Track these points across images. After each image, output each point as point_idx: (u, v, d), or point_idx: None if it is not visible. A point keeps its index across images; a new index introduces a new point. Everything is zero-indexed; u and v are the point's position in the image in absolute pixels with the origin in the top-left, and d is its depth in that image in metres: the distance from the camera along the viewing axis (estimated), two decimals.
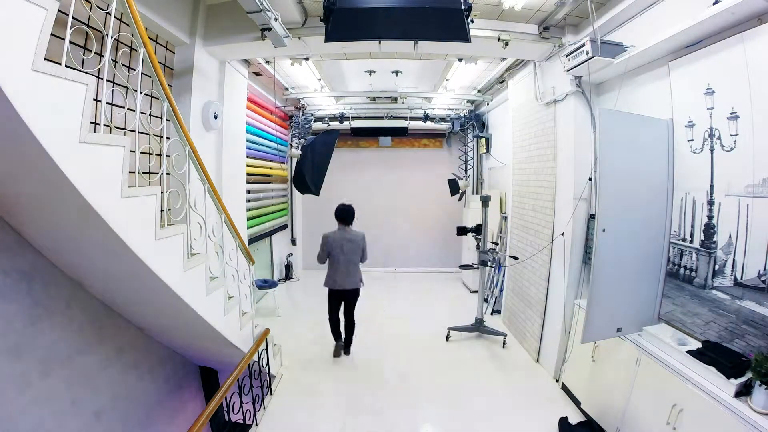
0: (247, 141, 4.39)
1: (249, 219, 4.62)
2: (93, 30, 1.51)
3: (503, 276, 4.72)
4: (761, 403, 1.60)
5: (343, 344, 3.76)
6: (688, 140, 2.20)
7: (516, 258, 4.05)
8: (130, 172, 1.56)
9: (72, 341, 2.13)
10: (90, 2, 1.43)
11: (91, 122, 1.36)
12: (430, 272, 7.10)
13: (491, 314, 4.79)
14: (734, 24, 1.87)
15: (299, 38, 3.07)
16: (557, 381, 3.22)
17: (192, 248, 2.06)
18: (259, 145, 5.17)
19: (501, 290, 4.82)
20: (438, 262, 7.19)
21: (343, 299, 3.68)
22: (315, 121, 6.43)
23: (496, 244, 4.63)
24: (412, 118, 6.47)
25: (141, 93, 1.71)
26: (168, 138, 1.92)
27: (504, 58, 4.04)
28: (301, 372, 3.35)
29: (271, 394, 2.88)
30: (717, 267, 2.03)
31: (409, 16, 2.42)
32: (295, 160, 6.68)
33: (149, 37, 2.00)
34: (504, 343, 3.95)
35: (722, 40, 1.94)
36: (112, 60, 1.59)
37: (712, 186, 2.05)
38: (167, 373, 2.94)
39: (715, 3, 1.87)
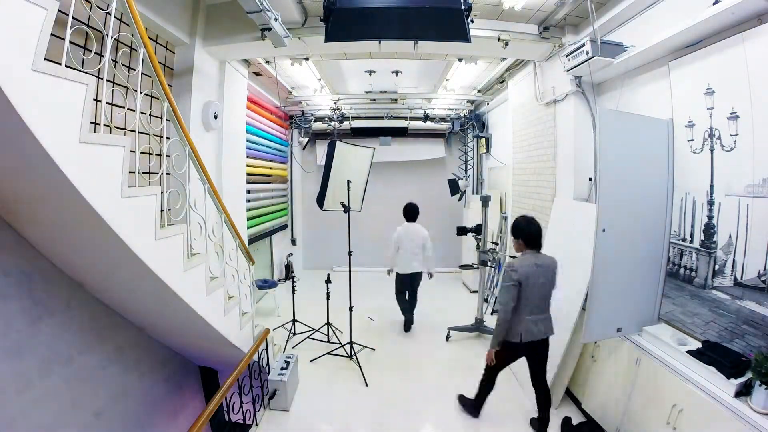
0: (247, 141, 4.39)
1: (249, 219, 4.62)
2: (93, 30, 1.51)
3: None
4: (761, 403, 1.60)
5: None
6: (688, 140, 2.20)
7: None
8: (130, 172, 1.56)
9: (72, 341, 2.13)
10: (90, 2, 1.42)
11: (91, 122, 1.36)
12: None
13: (491, 314, 4.78)
14: (734, 24, 1.87)
15: (299, 38, 3.07)
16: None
17: (192, 248, 2.06)
18: (259, 145, 5.17)
19: None
20: (438, 262, 7.14)
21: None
22: (315, 121, 6.43)
23: (496, 244, 4.63)
24: (412, 118, 6.46)
25: (141, 93, 1.71)
26: (168, 138, 1.92)
27: (504, 58, 4.04)
28: (302, 372, 3.34)
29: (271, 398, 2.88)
30: (717, 267, 2.03)
31: (409, 16, 2.42)
32: (296, 161, 6.71)
33: (149, 37, 2.00)
34: None
35: (722, 40, 1.94)
36: (112, 60, 1.59)
37: (712, 186, 2.05)
38: (167, 373, 2.94)
39: (715, 3, 1.87)
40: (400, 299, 4.36)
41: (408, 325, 4.36)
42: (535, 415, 2.65)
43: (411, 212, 4.28)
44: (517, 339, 2.39)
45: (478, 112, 6.21)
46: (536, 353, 2.50)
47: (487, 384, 2.75)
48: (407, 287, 4.29)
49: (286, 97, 5.52)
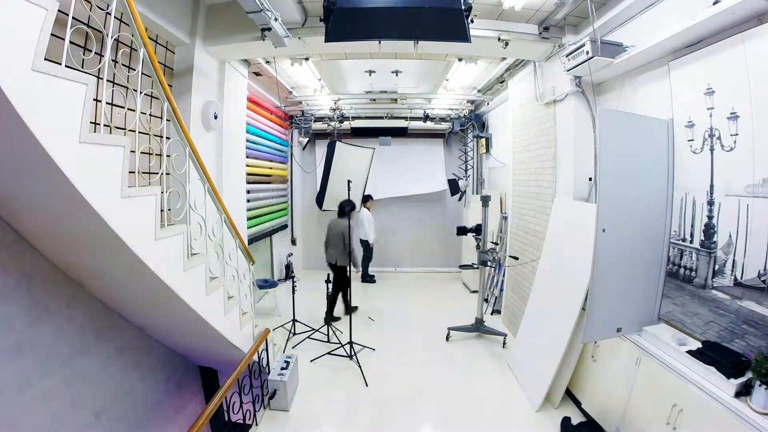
0: (247, 141, 4.39)
1: (249, 219, 4.62)
2: (93, 30, 1.51)
3: (503, 276, 4.72)
4: (761, 403, 1.60)
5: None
6: (688, 140, 2.20)
7: (516, 258, 4.05)
8: (130, 172, 1.56)
9: (72, 341, 2.13)
10: (90, 2, 1.42)
11: (91, 122, 1.36)
12: (430, 272, 7.10)
13: (491, 314, 4.79)
14: (734, 24, 1.87)
15: (299, 38, 3.07)
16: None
17: (192, 248, 2.06)
18: (259, 145, 5.17)
19: (501, 290, 4.82)
20: (438, 262, 7.19)
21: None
22: (315, 121, 6.43)
23: (496, 244, 4.63)
24: (412, 118, 6.46)
25: (141, 93, 1.71)
26: (168, 138, 1.92)
27: (504, 58, 4.04)
28: (302, 372, 3.35)
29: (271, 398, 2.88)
30: (717, 267, 2.03)
31: (409, 16, 2.42)
32: (295, 161, 6.71)
33: (149, 37, 2.00)
34: (504, 343, 3.95)
35: (722, 40, 1.94)
36: (112, 60, 1.59)
37: (712, 186, 2.05)
38: (167, 373, 2.94)
39: (715, 3, 1.87)
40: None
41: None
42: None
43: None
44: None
45: (478, 112, 6.21)
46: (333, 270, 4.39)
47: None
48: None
49: (286, 97, 5.52)
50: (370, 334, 4.23)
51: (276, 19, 2.64)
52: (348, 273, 4.07)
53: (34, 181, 1.45)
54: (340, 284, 4.43)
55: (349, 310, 4.29)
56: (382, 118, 6.45)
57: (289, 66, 4.14)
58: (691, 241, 2.20)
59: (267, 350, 3.07)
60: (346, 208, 4.20)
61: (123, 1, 1.53)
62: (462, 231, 4.39)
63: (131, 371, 2.57)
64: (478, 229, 4.13)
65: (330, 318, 4.34)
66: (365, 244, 6.20)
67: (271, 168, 5.70)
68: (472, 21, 2.57)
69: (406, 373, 3.47)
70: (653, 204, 2.33)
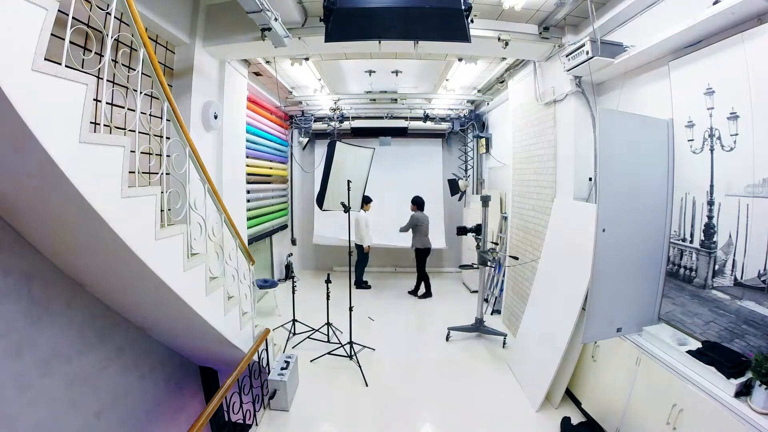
0: (247, 141, 4.39)
1: (249, 219, 4.62)
2: (93, 30, 1.51)
3: (503, 276, 4.72)
4: (761, 403, 1.60)
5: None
6: (688, 140, 2.20)
7: (516, 258, 4.05)
8: (130, 172, 1.56)
9: (72, 341, 2.13)
10: (90, 2, 1.43)
11: (91, 122, 1.36)
12: (430, 272, 7.08)
13: (491, 314, 4.79)
14: (734, 24, 1.87)
15: (299, 38, 3.08)
16: None
17: (192, 248, 2.06)
18: (259, 145, 5.17)
19: (501, 290, 4.82)
20: (438, 262, 7.18)
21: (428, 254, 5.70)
22: (315, 121, 6.43)
23: (496, 244, 4.63)
24: (412, 118, 6.46)
25: (141, 93, 1.71)
26: (168, 138, 1.92)
27: (504, 58, 4.04)
28: (302, 372, 3.35)
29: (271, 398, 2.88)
30: (717, 267, 2.03)
31: (409, 16, 2.42)
32: (295, 161, 6.71)
33: (149, 37, 2.00)
34: (504, 343, 3.95)
35: (722, 40, 1.94)
36: (112, 60, 1.59)
37: (712, 186, 2.05)
38: (167, 373, 2.94)
39: (715, 3, 1.87)
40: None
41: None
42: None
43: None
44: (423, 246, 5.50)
45: (478, 112, 6.21)
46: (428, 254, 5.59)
47: (424, 277, 5.72)
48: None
49: (286, 97, 5.52)
50: (370, 334, 4.23)
51: (276, 19, 2.64)
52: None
53: (34, 181, 1.45)
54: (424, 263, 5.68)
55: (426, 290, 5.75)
56: (382, 118, 6.45)
57: (289, 66, 4.14)
58: (691, 241, 2.20)
59: (267, 350, 3.07)
60: (422, 204, 5.69)
61: (123, 1, 1.53)
62: (462, 231, 4.39)
63: (131, 371, 2.57)
64: (478, 229, 4.13)
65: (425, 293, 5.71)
66: (360, 248, 5.92)
67: (271, 168, 5.70)
68: (472, 21, 2.57)
69: (406, 373, 3.47)
70: (653, 204, 2.33)
